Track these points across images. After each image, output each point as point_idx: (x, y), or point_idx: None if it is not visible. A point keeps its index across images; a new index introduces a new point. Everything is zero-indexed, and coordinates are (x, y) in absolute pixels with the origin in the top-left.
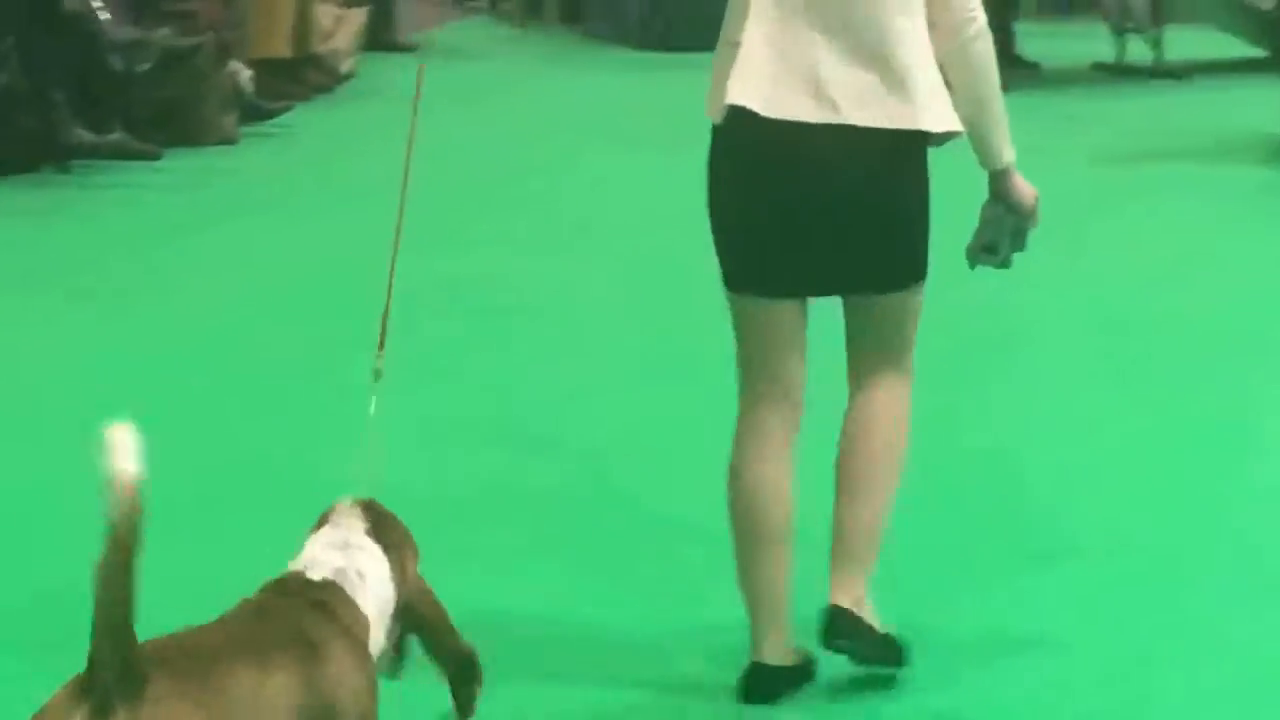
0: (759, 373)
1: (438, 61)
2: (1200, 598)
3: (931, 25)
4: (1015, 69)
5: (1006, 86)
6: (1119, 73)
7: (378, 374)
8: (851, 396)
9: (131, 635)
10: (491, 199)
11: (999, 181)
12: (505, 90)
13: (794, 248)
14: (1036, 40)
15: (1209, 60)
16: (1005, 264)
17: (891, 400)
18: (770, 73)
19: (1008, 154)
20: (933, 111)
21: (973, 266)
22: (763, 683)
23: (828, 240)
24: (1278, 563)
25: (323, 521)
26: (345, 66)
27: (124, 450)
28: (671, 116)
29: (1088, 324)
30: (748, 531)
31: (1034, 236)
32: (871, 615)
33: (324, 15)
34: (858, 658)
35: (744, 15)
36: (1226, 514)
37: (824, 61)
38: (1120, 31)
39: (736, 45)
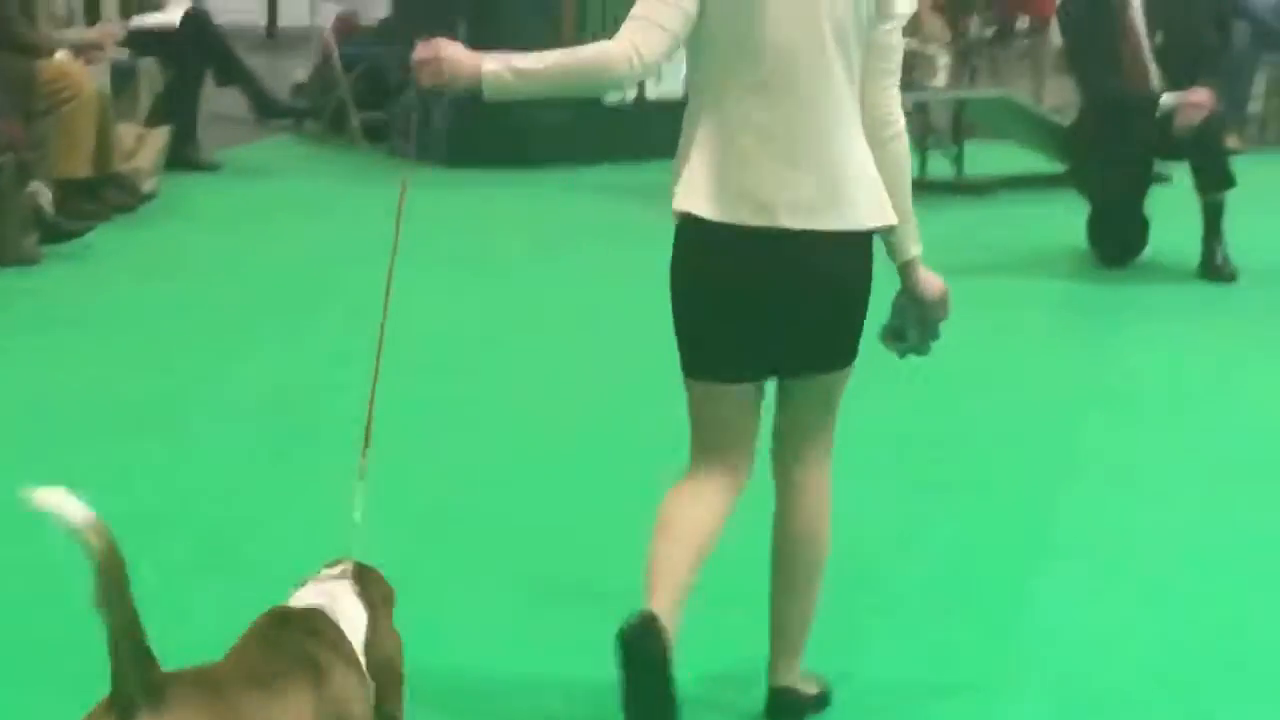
0: (707, 447)
1: (240, 180)
2: None
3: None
4: None
5: None
6: (921, 188)
7: (361, 471)
8: (783, 474)
9: (150, 654)
10: (285, 315)
11: (906, 273)
12: (306, 209)
13: (742, 337)
14: None
15: (1010, 175)
16: (920, 351)
17: (823, 484)
18: (716, 180)
19: (914, 248)
20: (865, 209)
21: (892, 351)
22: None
23: (774, 328)
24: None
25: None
26: (147, 186)
27: (63, 504)
28: (474, 233)
29: (889, 438)
30: (657, 537)
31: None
32: (806, 682)
33: (126, 134)
34: None
35: (694, 125)
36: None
37: (764, 170)
38: (922, 148)
39: (687, 157)
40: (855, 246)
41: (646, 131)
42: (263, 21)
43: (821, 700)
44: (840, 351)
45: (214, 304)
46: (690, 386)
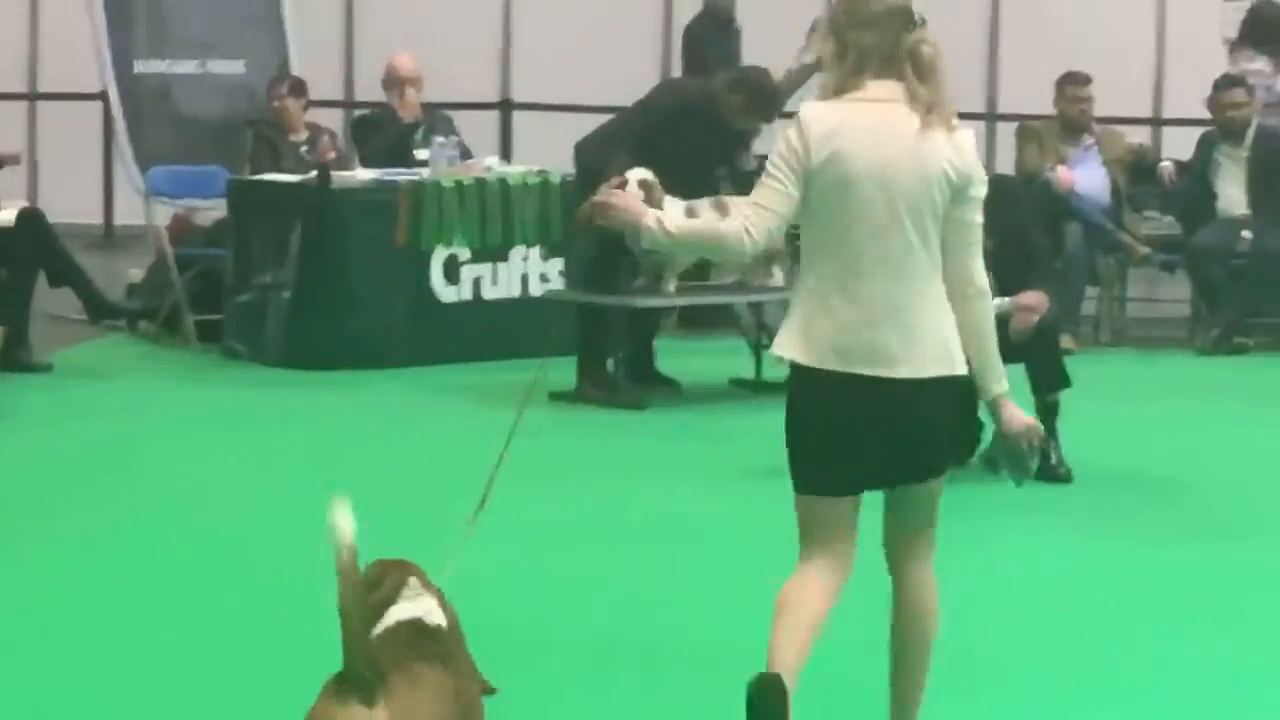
0: (815, 543)
1: (70, 381)
2: None
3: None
4: (655, 386)
5: (645, 405)
6: (757, 388)
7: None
8: (896, 567)
9: (371, 648)
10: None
11: (994, 409)
12: (134, 410)
13: (836, 460)
14: (677, 357)
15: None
16: (1015, 480)
17: (930, 574)
18: (809, 332)
19: (995, 388)
20: (931, 361)
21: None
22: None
23: (861, 454)
24: None
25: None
26: None
27: (343, 520)
28: (305, 432)
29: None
30: (779, 616)
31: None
32: None
33: None
34: None
35: (802, 286)
36: None
37: (847, 327)
38: (757, 347)
39: (793, 311)
40: (933, 389)
41: (483, 331)
42: (99, 220)
43: None
44: (930, 468)
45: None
46: (800, 501)
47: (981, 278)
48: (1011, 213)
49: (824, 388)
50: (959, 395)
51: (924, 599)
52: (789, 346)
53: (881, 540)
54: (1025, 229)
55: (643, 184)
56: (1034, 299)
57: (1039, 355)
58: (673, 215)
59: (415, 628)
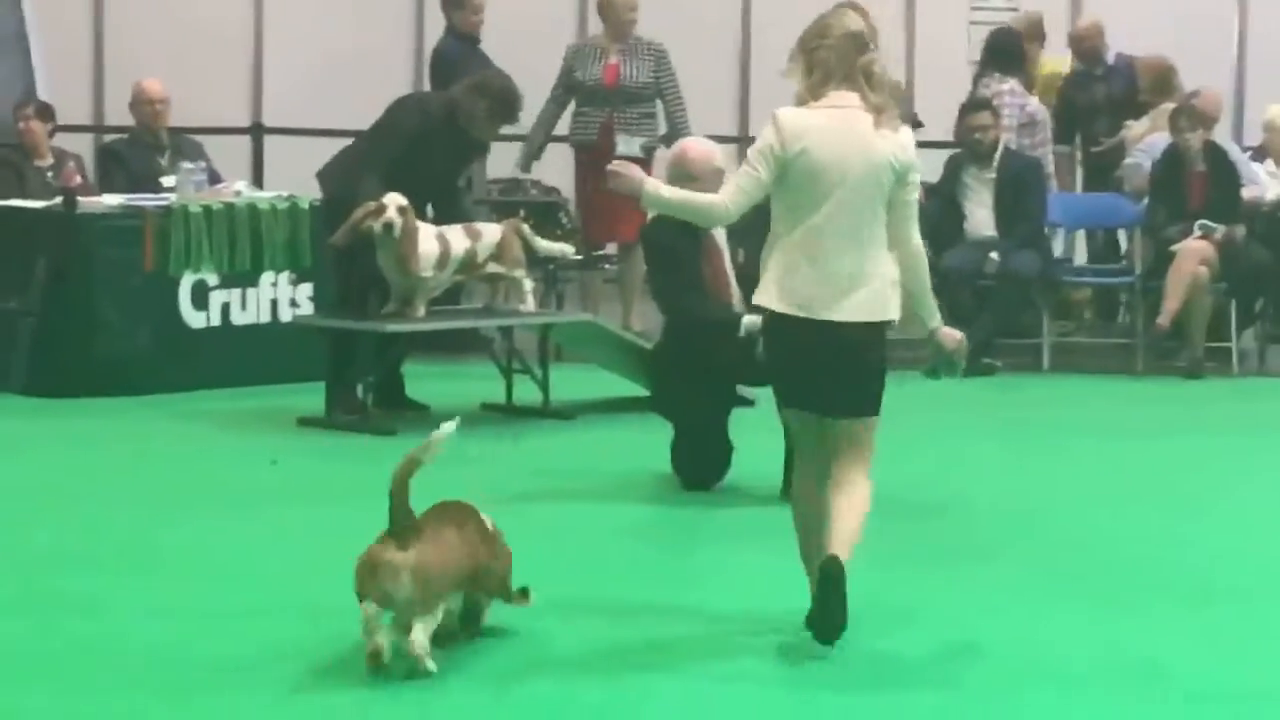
0: (803, 446)
1: None
2: None
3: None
4: (405, 411)
5: (395, 431)
6: (509, 413)
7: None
8: (838, 475)
9: (410, 515)
10: None
11: (932, 336)
12: None
13: (800, 383)
14: (426, 381)
15: (596, 399)
16: (952, 376)
17: (865, 487)
18: (781, 286)
19: (933, 322)
20: (868, 308)
21: (932, 378)
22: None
23: (816, 380)
24: None
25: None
26: None
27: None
28: (45, 459)
29: None
30: (802, 523)
31: None
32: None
33: None
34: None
35: (772, 249)
36: None
37: (809, 281)
38: (508, 371)
39: (766, 269)
40: (871, 331)
41: (233, 357)
42: None
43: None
44: (862, 404)
45: None
46: (782, 411)
47: (918, 242)
48: (764, 227)
49: (792, 329)
50: (883, 337)
51: (855, 485)
52: (767, 298)
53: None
54: None
55: (401, 210)
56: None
57: None
58: (664, 186)
59: (460, 511)
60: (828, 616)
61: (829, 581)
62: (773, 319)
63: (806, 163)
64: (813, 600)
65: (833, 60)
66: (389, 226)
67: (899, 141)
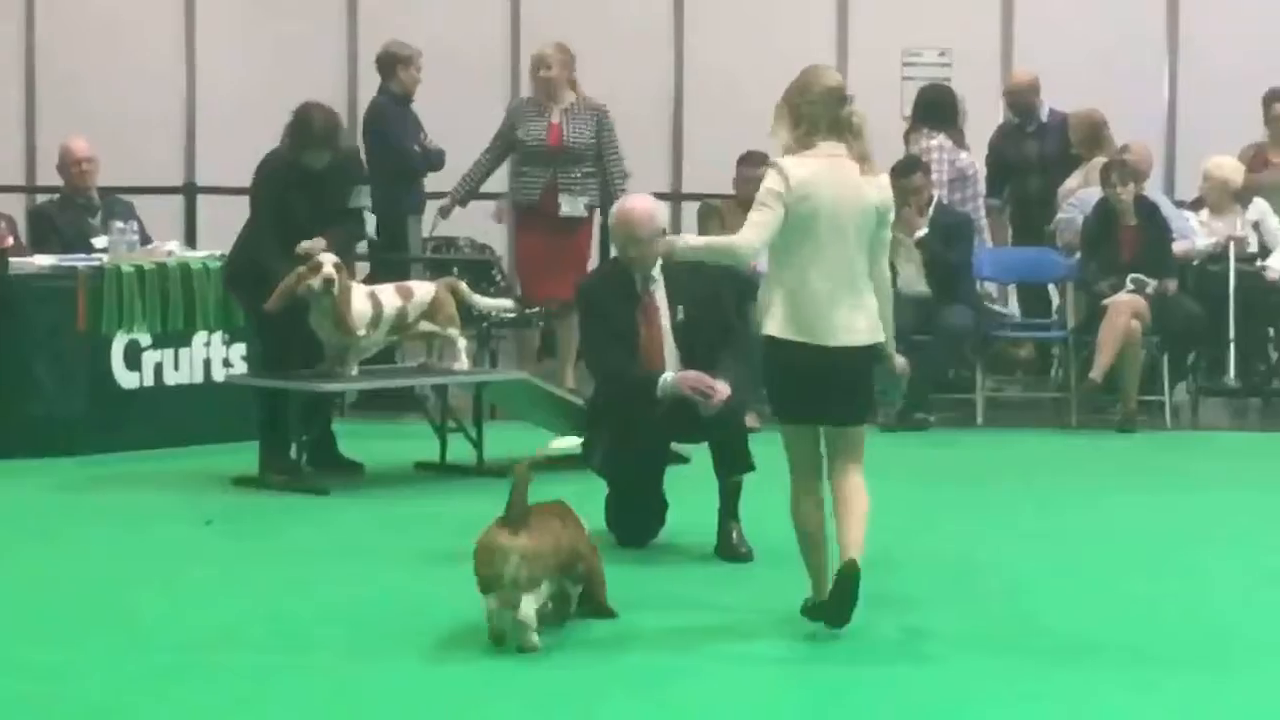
0: (798, 461)
1: None
2: None
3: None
4: (338, 469)
5: (328, 490)
6: (443, 471)
7: None
8: (837, 479)
9: (527, 503)
10: None
11: (889, 359)
12: None
13: (801, 399)
14: (360, 440)
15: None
16: (893, 399)
17: (860, 482)
18: (786, 316)
19: (891, 345)
20: (867, 333)
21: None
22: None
23: (817, 397)
24: None
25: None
26: None
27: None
28: None
29: None
30: (804, 538)
31: None
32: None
33: None
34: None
35: (775, 282)
36: None
37: (813, 311)
38: (442, 429)
39: (770, 300)
40: (863, 353)
41: (166, 417)
42: None
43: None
44: (856, 414)
45: None
46: (782, 428)
47: (888, 273)
48: (707, 285)
49: (792, 352)
50: (873, 357)
51: (854, 486)
52: (776, 327)
53: (827, 469)
54: (721, 305)
55: (337, 267)
56: (722, 386)
57: (726, 436)
58: (689, 236)
59: (560, 507)
60: (844, 608)
61: (849, 582)
62: (780, 345)
63: (809, 207)
64: (831, 596)
65: (818, 113)
66: (329, 282)
67: (880, 184)
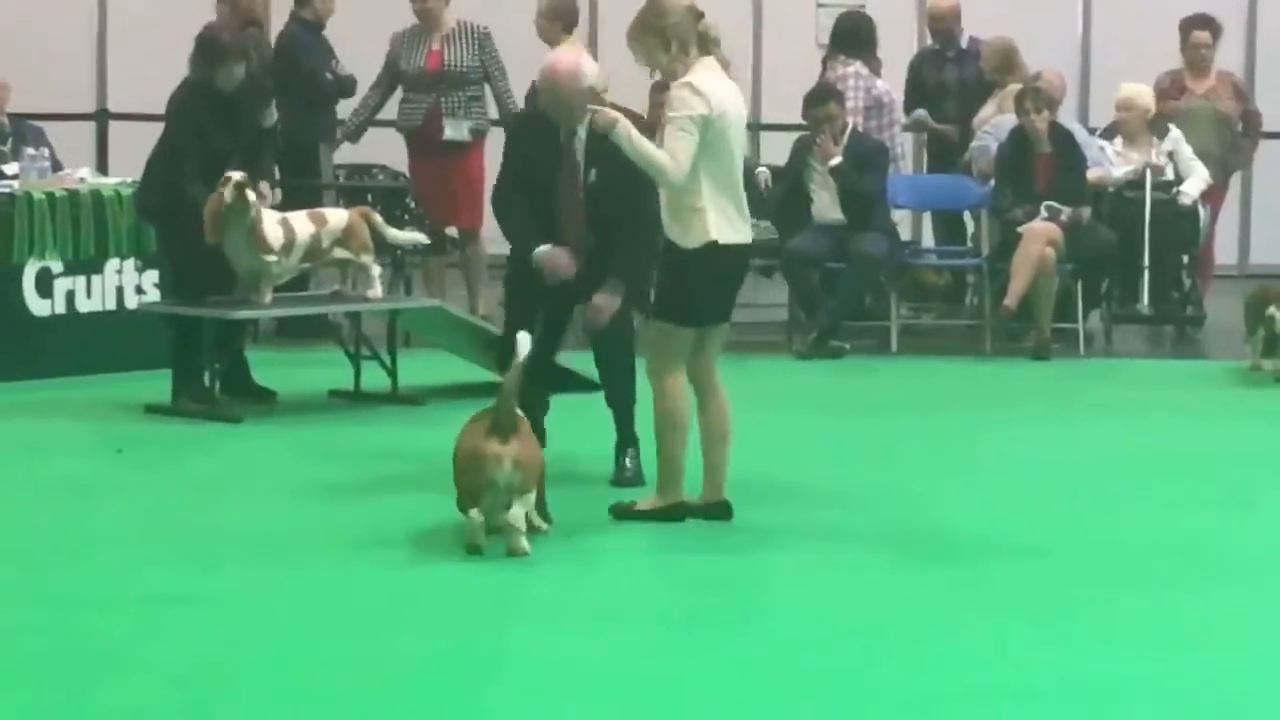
0: (679, 359)
1: None
2: None
3: None
4: (251, 398)
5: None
6: (357, 399)
7: None
8: (706, 382)
9: (516, 413)
10: None
11: None
12: None
13: (724, 302)
14: (274, 368)
15: (444, 385)
16: None
17: (720, 383)
18: (722, 220)
19: None
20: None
21: None
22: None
23: (731, 297)
24: None
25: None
26: None
27: (523, 343)
28: None
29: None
30: (680, 432)
31: None
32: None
33: None
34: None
35: (697, 198)
36: None
37: (739, 208)
38: (356, 357)
39: (698, 212)
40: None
41: (78, 345)
42: None
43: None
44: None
45: None
46: (675, 332)
47: None
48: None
49: (733, 255)
50: None
51: (718, 385)
52: (715, 233)
53: (690, 370)
54: (634, 176)
55: (242, 184)
56: (605, 300)
57: (606, 354)
58: (633, 129)
59: (523, 420)
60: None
61: (724, 512)
62: (725, 250)
63: (724, 123)
64: (706, 507)
65: (685, 31)
66: (239, 188)
67: (738, 90)
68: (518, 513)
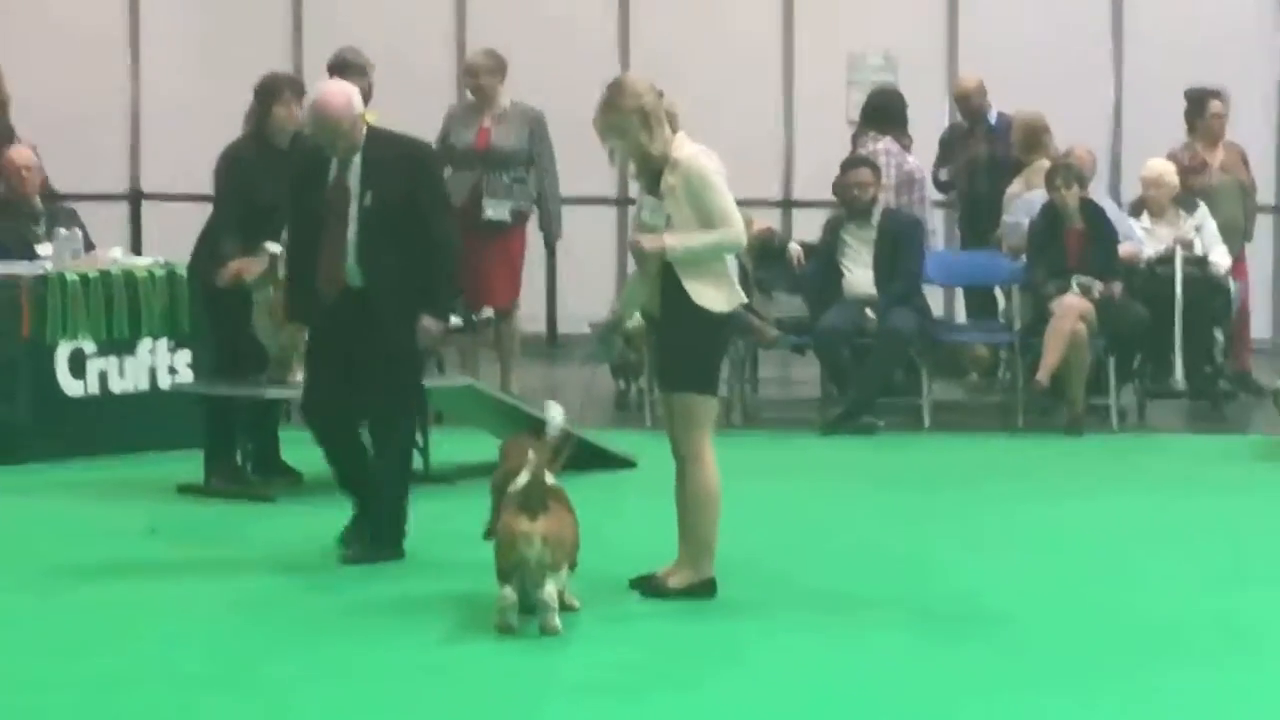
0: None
1: None
2: None
3: None
4: (280, 476)
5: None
6: None
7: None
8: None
9: (546, 489)
10: None
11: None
12: None
13: None
14: (306, 448)
15: (476, 463)
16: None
17: None
18: (725, 288)
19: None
20: None
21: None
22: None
23: None
24: None
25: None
26: None
27: (556, 413)
28: None
29: None
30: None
31: None
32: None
33: None
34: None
35: (720, 269)
36: None
37: (730, 283)
38: None
39: (708, 280)
40: None
41: (111, 425)
42: None
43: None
44: None
45: None
46: (710, 402)
47: None
48: (404, 179)
49: (734, 318)
50: None
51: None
52: (722, 302)
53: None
54: (418, 202)
55: (272, 257)
56: (431, 322)
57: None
58: (679, 236)
59: (555, 489)
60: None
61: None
62: (732, 316)
63: None
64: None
65: (659, 108)
66: (273, 260)
67: None
68: (550, 590)
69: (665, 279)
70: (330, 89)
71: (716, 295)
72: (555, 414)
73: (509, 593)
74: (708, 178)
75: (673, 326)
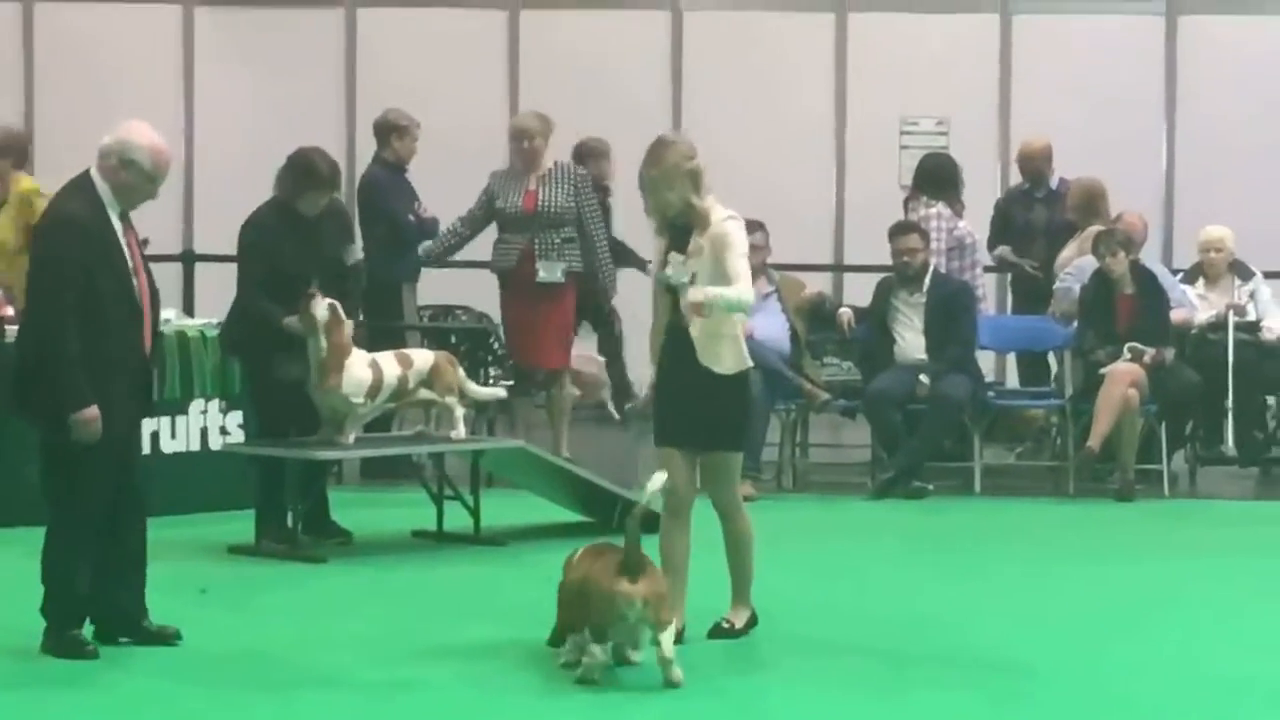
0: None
1: None
2: None
3: None
4: (330, 537)
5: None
6: (440, 540)
7: None
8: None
9: (642, 549)
10: None
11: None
12: None
13: None
14: (357, 508)
15: (526, 525)
16: None
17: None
18: (743, 349)
19: None
20: None
21: None
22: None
23: None
24: None
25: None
26: None
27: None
28: None
29: None
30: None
31: None
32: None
33: None
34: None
35: (733, 321)
36: None
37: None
38: (439, 497)
39: (729, 339)
40: None
41: (162, 485)
42: None
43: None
44: None
45: None
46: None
47: None
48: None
49: (748, 378)
50: None
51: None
52: (745, 360)
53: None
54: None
55: (331, 307)
56: None
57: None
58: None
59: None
60: None
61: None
62: (746, 374)
63: None
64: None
65: (702, 172)
66: (332, 308)
67: None
68: (668, 643)
69: (680, 344)
70: (148, 132)
71: (733, 358)
72: (656, 480)
73: (600, 651)
74: (737, 243)
75: (702, 392)
